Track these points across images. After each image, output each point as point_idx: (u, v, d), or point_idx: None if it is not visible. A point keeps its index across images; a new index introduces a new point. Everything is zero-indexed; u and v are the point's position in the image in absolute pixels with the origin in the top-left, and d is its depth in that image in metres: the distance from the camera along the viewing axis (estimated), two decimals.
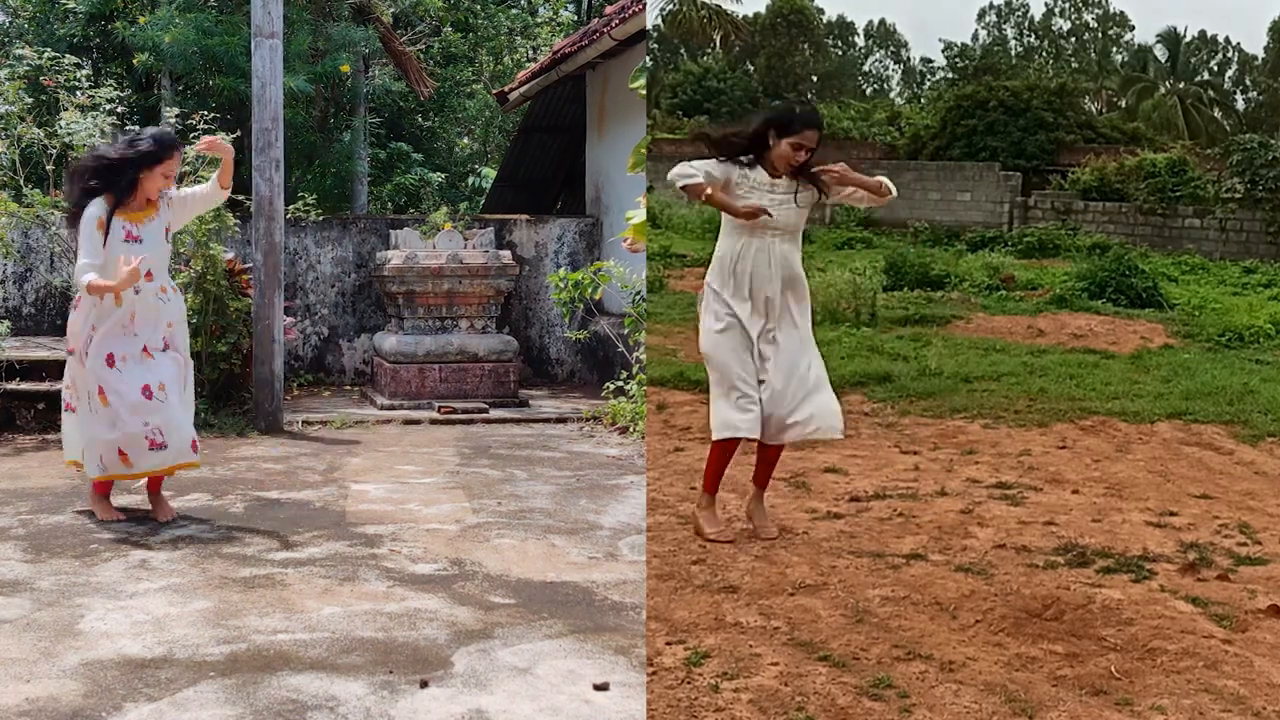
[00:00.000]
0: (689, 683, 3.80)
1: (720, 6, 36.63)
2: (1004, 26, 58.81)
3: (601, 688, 3.93)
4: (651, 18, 34.89)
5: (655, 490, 6.12)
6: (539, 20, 21.62)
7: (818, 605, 4.50)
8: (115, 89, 10.06)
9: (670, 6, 35.64)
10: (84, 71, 9.95)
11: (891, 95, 54.83)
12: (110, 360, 5.96)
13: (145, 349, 6.03)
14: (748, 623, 4.31)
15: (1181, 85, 46.15)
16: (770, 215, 5.16)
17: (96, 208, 5.93)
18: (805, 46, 51.23)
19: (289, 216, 10.20)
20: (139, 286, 5.93)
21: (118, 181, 5.94)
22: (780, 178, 5.24)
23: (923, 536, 5.42)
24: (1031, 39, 58.31)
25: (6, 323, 9.06)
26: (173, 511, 6.28)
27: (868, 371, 9.20)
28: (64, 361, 9.21)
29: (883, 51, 61.53)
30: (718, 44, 41.60)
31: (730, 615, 4.37)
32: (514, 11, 20.36)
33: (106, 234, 5.92)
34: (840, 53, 58.47)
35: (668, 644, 4.11)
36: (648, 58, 8.50)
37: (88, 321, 6.02)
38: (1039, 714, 3.62)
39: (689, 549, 5.15)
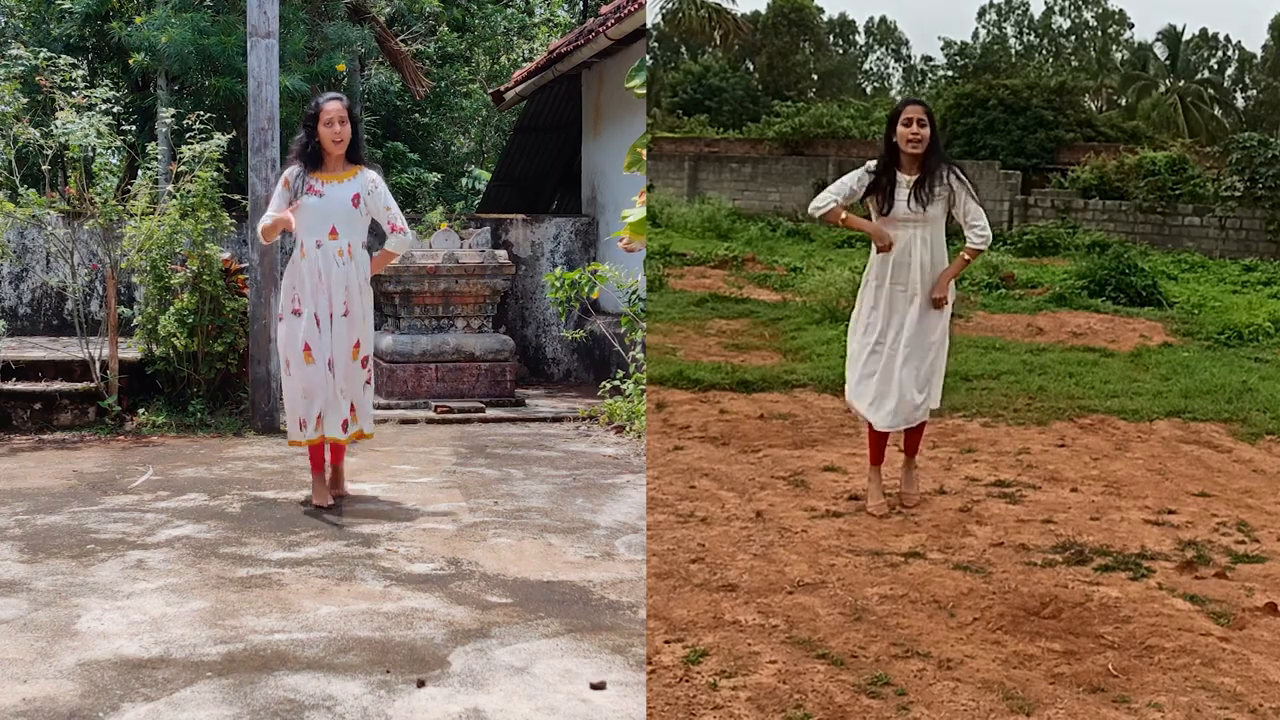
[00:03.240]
0: (687, 681, 3.79)
1: (720, 5, 36.64)
2: (1004, 25, 58.85)
3: (598, 687, 3.92)
4: (651, 16, 34.87)
5: (654, 489, 6.11)
6: (535, 20, 21.61)
7: (816, 603, 4.49)
8: (111, 89, 10.05)
9: (670, 5, 35.64)
10: (80, 71, 9.91)
11: (892, 94, 54.86)
12: (317, 320, 6.51)
13: (331, 314, 6.51)
14: (746, 621, 4.30)
15: (1181, 83, 46.16)
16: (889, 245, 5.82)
17: (288, 168, 6.64)
18: (805, 45, 51.24)
19: None
20: (320, 240, 6.49)
21: (304, 145, 6.57)
22: (913, 175, 5.75)
23: (921, 535, 5.42)
24: (1031, 37, 58.34)
25: (3, 323, 9.06)
26: (342, 489, 6.84)
27: None
28: (59, 361, 9.27)
29: (883, 50, 61.57)
30: (718, 43, 41.60)
31: (729, 613, 4.37)
32: (510, 11, 20.34)
33: (295, 193, 6.51)
34: (841, 51, 58.50)
35: (666, 642, 4.10)
36: (647, 56, 8.49)
37: (292, 281, 6.57)
38: (1037, 711, 3.62)
39: (688, 547, 5.14)
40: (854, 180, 5.87)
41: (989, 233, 5.91)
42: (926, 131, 5.72)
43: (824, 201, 5.87)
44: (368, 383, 6.75)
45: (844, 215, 5.87)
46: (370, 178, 6.62)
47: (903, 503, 5.90)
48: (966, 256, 5.89)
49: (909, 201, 5.75)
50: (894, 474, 6.25)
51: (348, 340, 6.57)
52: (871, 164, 5.88)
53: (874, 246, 5.90)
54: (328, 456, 6.74)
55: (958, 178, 5.81)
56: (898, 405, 5.80)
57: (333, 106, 6.52)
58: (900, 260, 5.82)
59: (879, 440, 5.92)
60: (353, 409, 6.65)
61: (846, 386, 6.01)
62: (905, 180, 5.79)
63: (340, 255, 6.52)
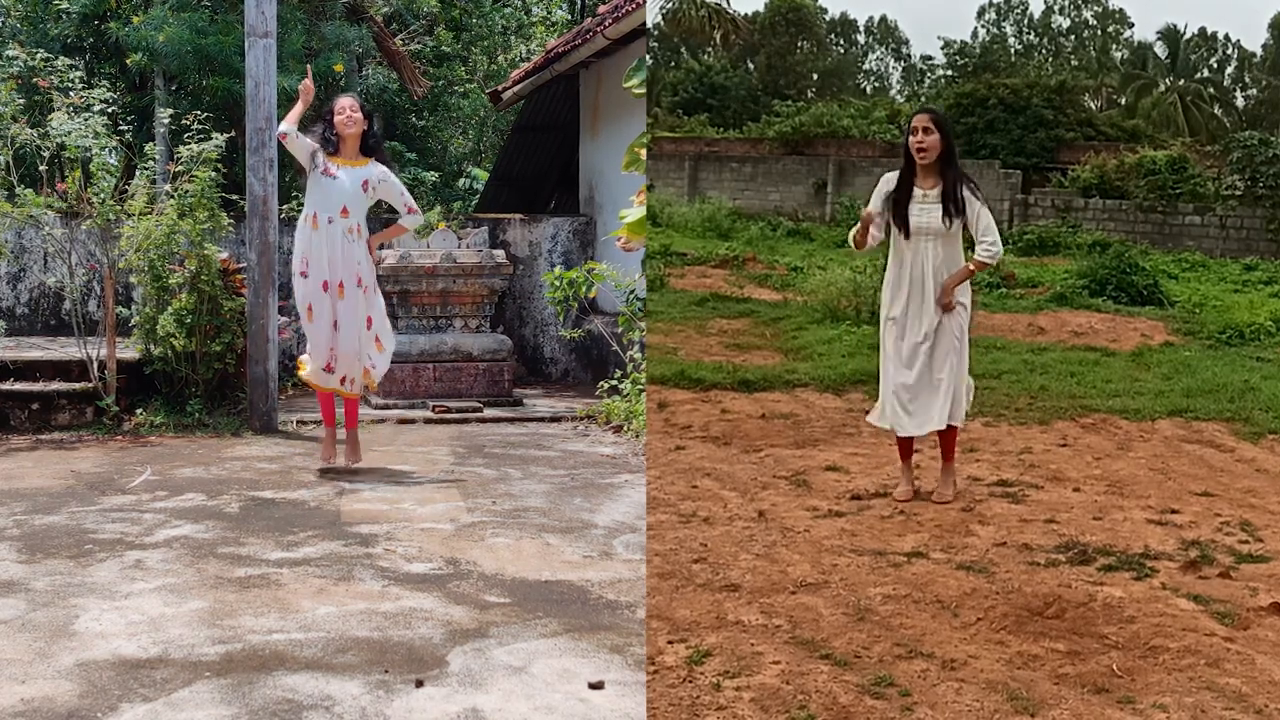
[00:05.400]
0: (691, 681, 3.77)
1: (720, 5, 36.58)
2: (1003, 24, 58.85)
3: (596, 686, 3.90)
4: (651, 16, 34.84)
5: (656, 489, 6.09)
6: (533, 20, 21.57)
7: (819, 603, 4.46)
8: (109, 89, 10.01)
9: (670, 5, 35.58)
10: (77, 72, 9.87)
11: (892, 93, 54.85)
12: (324, 286, 7.31)
13: (341, 284, 7.30)
14: (749, 621, 4.28)
15: (1181, 82, 46.18)
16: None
17: (313, 137, 7.41)
18: (804, 44, 51.26)
19: (283, 216, 10.14)
20: (332, 217, 7.27)
21: (323, 134, 7.40)
22: (928, 188, 5.80)
23: (924, 534, 5.39)
24: (1031, 37, 58.35)
25: (1, 323, 9.02)
26: (358, 457, 7.61)
27: (868, 370, 9.12)
28: (57, 362, 9.26)
29: (883, 49, 61.59)
30: (718, 42, 41.57)
31: (732, 614, 4.34)
32: (508, 10, 20.29)
33: (314, 159, 7.29)
34: (841, 51, 58.52)
35: (669, 643, 4.08)
36: (647, 56, 8.48)
37: (303, 249, 7.33)
38: (1041, 712, 3.59)
39: (690, 547, 5.12)
40: (878, 199, 5.93)
41: (999, 248, 5.89)
42: (933, 139, 5.73)
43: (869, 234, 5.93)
44: (377, 340, 7.59)
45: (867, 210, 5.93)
46: (381, 170, 7.46)
47: (934, 499, 5.92)
48: (972, 267, 5.89)
49: (932, 215, 5.78)
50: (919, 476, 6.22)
51: (362, 311, 7.41)
52: (888, 180, 5.92)
53: (887, 270, 5.98)
54: (342, 420, 7.68)
55: (972, 191, 5.81)
56: (894, 408, 5.93)
57: (345, 100, 7.44)
58: (915, 274, 5.86)
59: (904, 441, 6.04)
60: (366, 371, 7.57)
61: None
62: (920, 193, 5.81)
63: (349, 233, 7.32)
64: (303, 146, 7.33)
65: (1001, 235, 20.19)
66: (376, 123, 7.64)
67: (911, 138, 5.77)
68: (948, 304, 5.82)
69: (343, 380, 7.45)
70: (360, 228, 7.39)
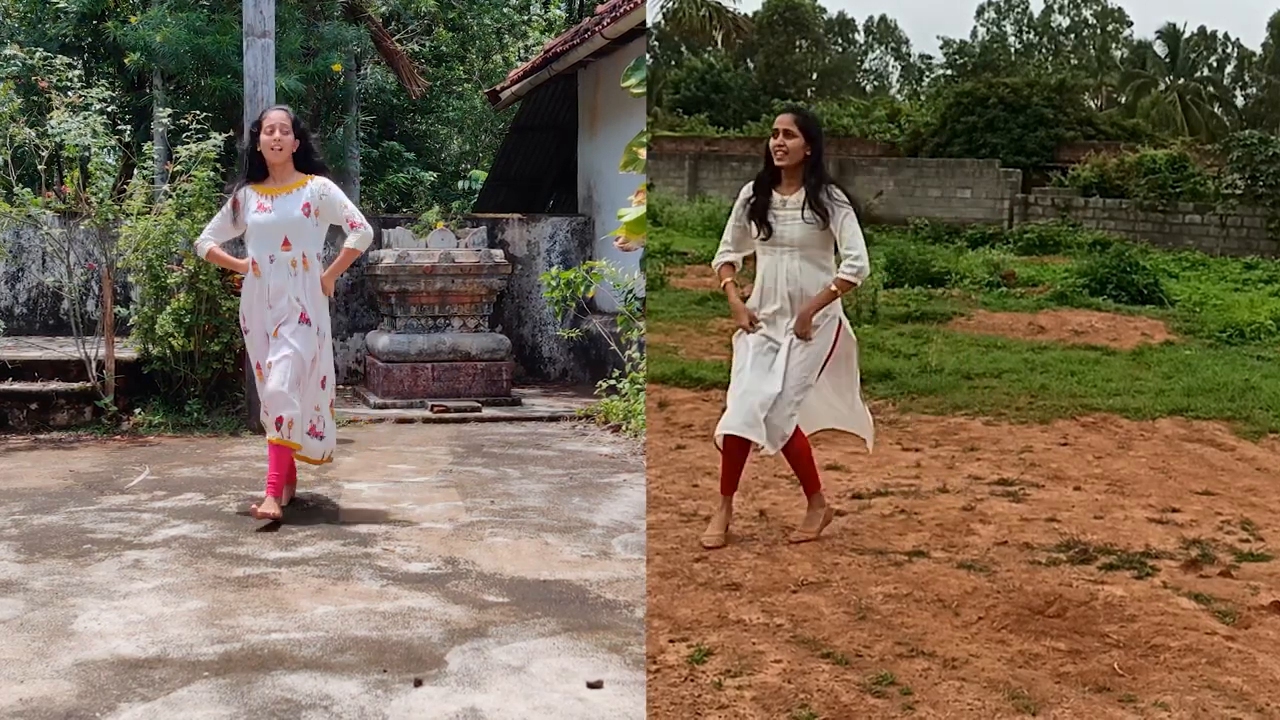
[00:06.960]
0: (692, 680, 3.76)
1: (720, 4, 36.58)
2: (1003, 23, 58.89)
3: (595, 685, 3.89)
4: (652, 15, 34.83)
5: (657, 488, 6.08)
6: (529, 20, 21.56)
7: (820, 603, 4.46)
8: (107, 89, 10.00)
9: (670, 4, 35.58)
10: (75, 72, 9.87)
11: (891, 92, 54.87)
12: (267, 339, 6.30)
13: (278, 329, 6.23)
14: (750, 620, 4.27)
15: (1181, 81, 46.20)
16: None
17: (238, 188, 6.45)
18: (803, 44, 51.29)
19: None
20: (273, 255, 6.27)
21: (248, 155, 6.41)
22: (789, 195, 5.28)
23: (925, 534, 5.38)
24: (1031, 36, 58.38)
25: None
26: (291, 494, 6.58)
27: (868, 369, 9.12)
28: (55, 361, 9.24)
29: (882, 48, 61.62)
30: (719, 42, 41.57)
31: (733, 613, 4.34)
32: (505, 10, 20.29)
33: (239, 210, 6.37)
34: (840, 50, 58.56)
35: (670, 642, 4.07)
36: (647, 55, 8.46)
37: (246, 299, 6.43)
38: (1042, 711, 3.58)
39: (691, 546, 5.11)
40: (736, 217, 5.40)
41: (864, 264, 5.23)
42: (795, 143, 5.20)
43: (717, 260, 5.44)
44: (330, 405, 6.50)
45: (727, 281, 5.45)
46: (321, 183, 6.36)
47: (791, 538, 5.28)
48: (834, 288, 5.22)
49: (790, 225, 5.25)
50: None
51: (306, 353, 6.24)
52: (747, 188, 5.42)
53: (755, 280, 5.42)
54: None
55: (834, 199, 5.23)
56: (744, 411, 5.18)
57: (273, 115, 6.33)
58: (775, 288, 5.31)
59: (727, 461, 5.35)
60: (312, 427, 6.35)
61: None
62: (780, 199, 5.29)
63: (294, 266, 6.26)
64: (225, 225, 6.48)
65: (1002, 234, 19.94)
66: (313, 141, 6.56)
67: (772, 140, 5.24)
68: (803, 333, 5.20)
69: (279, 422, 6.17)
70: (307, 259, 6.28)
